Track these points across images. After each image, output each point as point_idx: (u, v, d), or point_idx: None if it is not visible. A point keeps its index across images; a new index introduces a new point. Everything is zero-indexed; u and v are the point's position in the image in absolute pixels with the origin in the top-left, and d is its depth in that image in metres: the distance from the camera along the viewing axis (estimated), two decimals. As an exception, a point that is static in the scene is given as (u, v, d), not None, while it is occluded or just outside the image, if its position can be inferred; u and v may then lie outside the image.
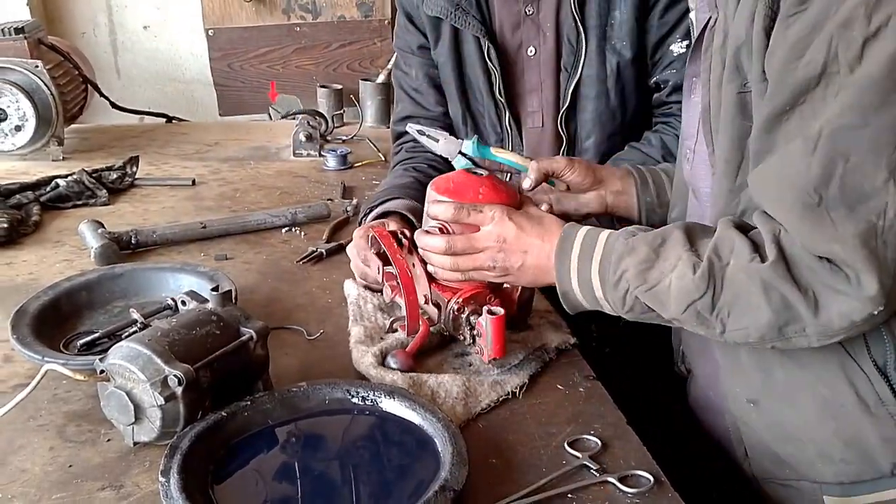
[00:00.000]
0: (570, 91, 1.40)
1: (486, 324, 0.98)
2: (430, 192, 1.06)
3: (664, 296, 0.85)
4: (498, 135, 1.47)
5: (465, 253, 1.00)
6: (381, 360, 1.03)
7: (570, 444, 0.90)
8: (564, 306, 0.99)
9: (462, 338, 1.04)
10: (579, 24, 1.37)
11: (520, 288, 1.07)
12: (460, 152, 1.21)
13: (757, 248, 0.80)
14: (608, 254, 0.91)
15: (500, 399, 0.98)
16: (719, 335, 0.84)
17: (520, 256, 0.98)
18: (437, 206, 1.03)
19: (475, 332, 1.01)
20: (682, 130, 1.07)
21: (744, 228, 0.83)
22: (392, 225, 1.20)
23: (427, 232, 1.04)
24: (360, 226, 1.33)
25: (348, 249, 1.26)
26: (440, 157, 1.31)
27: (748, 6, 0.81)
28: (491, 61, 1.41)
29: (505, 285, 1.07)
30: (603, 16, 1.37)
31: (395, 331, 1.11)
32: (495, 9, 1.42)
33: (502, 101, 1.43)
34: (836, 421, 0.87)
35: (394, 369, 1.02)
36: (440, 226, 1.03)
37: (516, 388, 1.00)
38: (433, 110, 1.54)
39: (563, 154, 1.43)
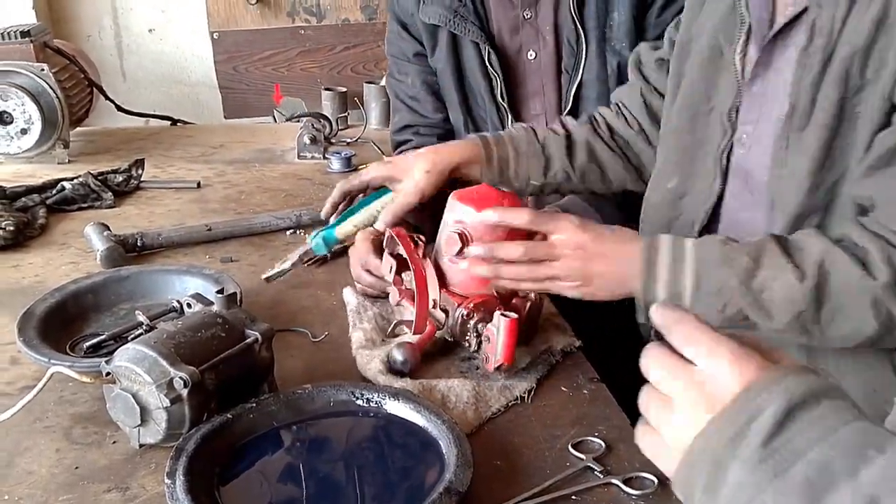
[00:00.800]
0: (573, 93, 1.41)
1: (500, 326, 0.97)
2: (453, 202, 1.06)
3: (769, 305, 0.87)
4: None
5: (543, 260, 0.98)
6: (388, 366, 1.03)
7: (574, 447, 0.90)
8: (641, 313, 0.98)
9: (467, 344, 1.03)
10: (579, 26, 1.38)
11: (529, 303, 1.06)
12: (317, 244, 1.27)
13: (865, 265, 0.84)
14: (703, 262, 0.92)
15: (510, 404, 0.98)
16: (816, 342, 0.88)
17: (600, 263, 0.96)
18: (511, 211, 1.00)
19: (482, 339, 1.01)
20: (732, 113, 1.04)
21: (842, 244, 0.87)
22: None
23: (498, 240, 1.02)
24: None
25: (350, 252, 1.26)
26: None
27: (871, 12, 0.81)
28: (492, 66, 1.42)
29: (514, 300, 1.06)
30: (601, 17, 1.38)
31: (397, 335, 1.12)
32: (493, 14, 1.43)
33: (504, 105, 1.43)
34: (875, 409, 0.89)
35: (399, 368, 1.02)
36: (460, 231, 1.02)
37: (525, 392, 1.00)
38: (432, 118, 1.55)
39: None
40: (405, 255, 1.05)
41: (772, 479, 0.48)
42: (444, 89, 1.51)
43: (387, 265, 1.10)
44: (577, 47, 1.40)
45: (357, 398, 0.94)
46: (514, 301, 1.06)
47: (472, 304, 1.02)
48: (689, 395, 0.55)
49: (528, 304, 1.06)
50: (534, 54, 1.43)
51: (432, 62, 1.50)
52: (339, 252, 1.43)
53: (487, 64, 1.42)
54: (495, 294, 1.04)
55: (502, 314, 0.97)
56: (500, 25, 1.43)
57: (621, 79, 1.38)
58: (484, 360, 1.01)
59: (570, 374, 1.06)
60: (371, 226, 1.24)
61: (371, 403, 0.94)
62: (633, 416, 0.95)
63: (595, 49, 1.39)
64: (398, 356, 1.02)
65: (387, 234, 1.10)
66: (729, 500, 0.50)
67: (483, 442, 0.91)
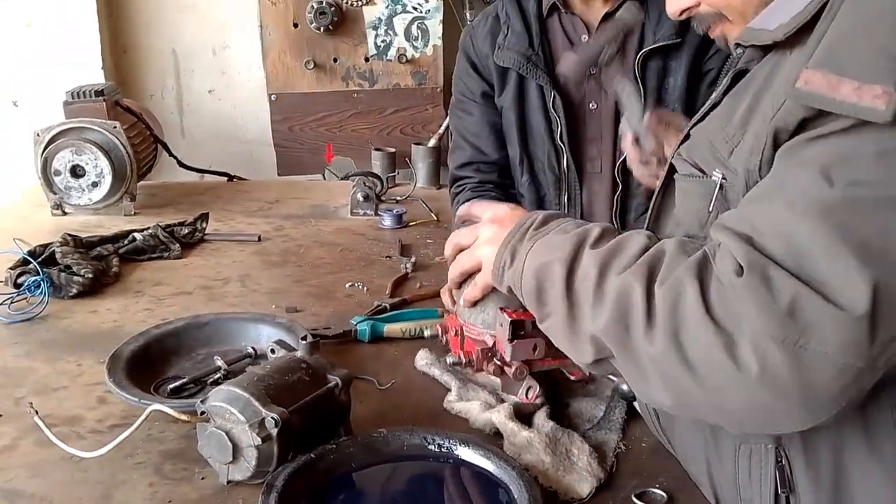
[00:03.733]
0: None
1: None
2: None
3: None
4: (556, 176, 1.60)
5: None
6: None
7: (637, 497, 0.94)
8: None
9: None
10: (640, 86, 1.50)
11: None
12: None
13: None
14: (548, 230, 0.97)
15: (616, 451, 1.04)
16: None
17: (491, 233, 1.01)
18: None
19: None
20: None
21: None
22: None
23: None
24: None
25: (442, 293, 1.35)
26: (504, 195, 1.58)
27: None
28: (554, 110, 1.55)
29: None
30: (660, 80, 1.55)
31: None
32: None
33: (563, 146, 1.55)
34: None
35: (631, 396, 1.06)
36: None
37: (618, 443, 1.05)
38: (491, 156, 1.67)
39: (616, 200, 1.58)
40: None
41: (540, 237, 0.89)
42: (505, 125, 1.64)
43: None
44: None
45: (429, 443, 0.99)
46: None
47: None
48: (483, 230, 1.00)
49: None
50: (595, 105, 1.57)
51: (498, 101, 1.63)
52: (398, 305, 1.51)
53: (550, 107, 1.54)
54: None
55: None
56: (566, 77, 1.56)
57: None
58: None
59: (627, 427, 1.10)
60: (416, 336, 1.35)
61: (442, 448, 0.99)
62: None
63: (651, 106, 1.52)
64: (625, 387, 1.07)
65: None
66: (520, 263, 0.88)
67: (547, 490, 0.95)
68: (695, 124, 0.95)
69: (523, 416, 1.07)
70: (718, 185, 0.85)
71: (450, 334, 1.14)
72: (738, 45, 0.90)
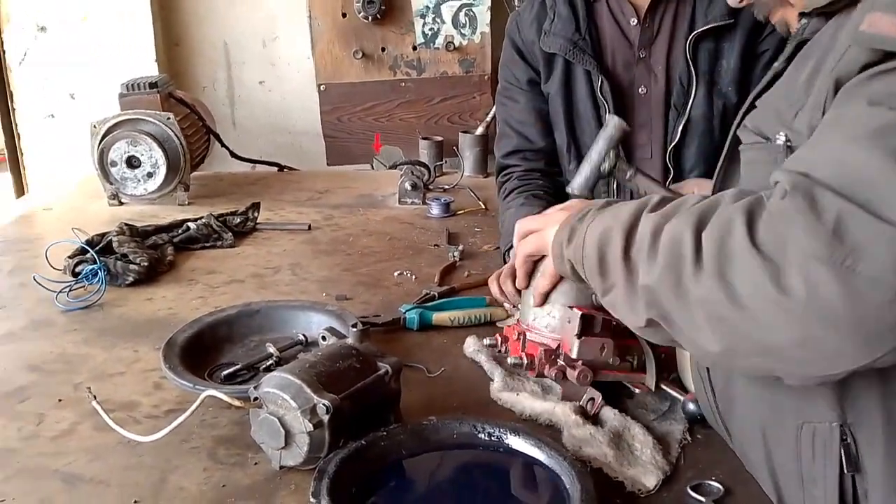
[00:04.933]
0: (680, 128, 1.50)
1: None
2: None
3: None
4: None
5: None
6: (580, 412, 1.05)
7: (692, 489, 0.92)
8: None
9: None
10: (691, 68, 1.46)
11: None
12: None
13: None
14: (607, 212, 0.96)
15: (682, 443, 1.02)
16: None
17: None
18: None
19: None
20: None
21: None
22: None
23: None
24: (505, 261, 1.44)
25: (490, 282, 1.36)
26: (551, 183, 1.59)
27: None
28: (603, 95, 1.53)
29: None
30: (712, 63, 1.52)
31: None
32: (609, 50, 1.55)
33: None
34: None
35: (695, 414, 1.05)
36: None
37: (684, 432, 1.03)
38: (538, 143, 1.65)
39: (669, 184, 1.56)
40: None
41: (601, 213, 0.88)
42: (552, 112, 1.62)
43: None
44: (687, 87, 1.52)
45: (479, 432, 0.99)
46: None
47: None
48: (551, 219, 0.99)
49: None
50: (645, 89, 1.54)
51: (545, 88, 1.61)
52: (446, 293, 1.51)
53: (598, 92, 1.51)
54: None
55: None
56: (615, 60, 1.56)
57: (725, 118, 1.51)
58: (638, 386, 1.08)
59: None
60: (463, 325, 1.35)
61: (492, 437, 0.98)
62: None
63: (704, 90, 1.52)
64: (691, 407, 1.05)
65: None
66: (580, 238, 0.88)
67: (602, 481, 0.93)
68: (759, 94, 0.93)
69: (586, 412, 1.06)
70: (785, 148, 0.82)
71: (510, 340, 1.12)
72: (802, 14, 0.89)
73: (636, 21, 1.54)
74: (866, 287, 0.63)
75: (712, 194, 1.00)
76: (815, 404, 0.82)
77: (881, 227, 0.63)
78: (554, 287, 1.05)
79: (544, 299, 1.06)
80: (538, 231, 1.02)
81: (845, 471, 0.80)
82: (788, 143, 0.82)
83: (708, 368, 1.00)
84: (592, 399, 1.05)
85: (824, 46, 0.81)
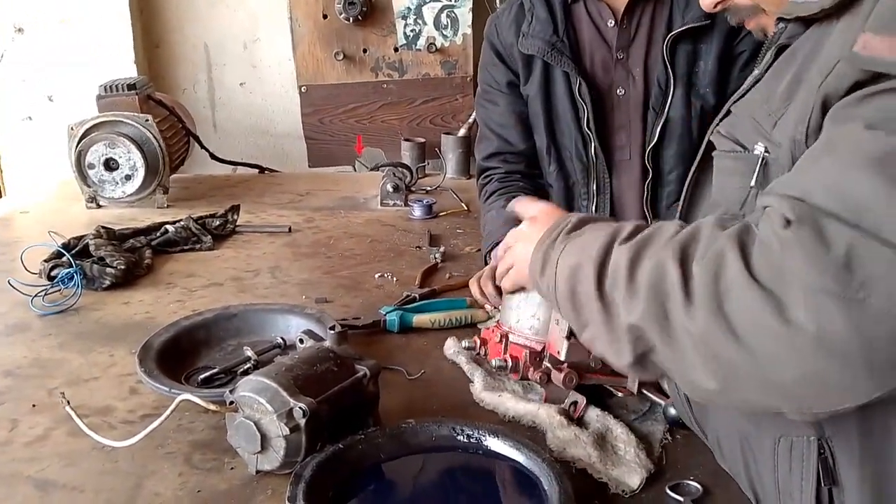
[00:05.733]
0: (658, 130, 1.51)
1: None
2: None
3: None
4: (584, 164, 1.58)
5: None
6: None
7: (671, 489, 0.92)
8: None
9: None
10: (669, 70, 1.47)
11: None
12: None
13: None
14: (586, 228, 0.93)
15: (663, 442, 1.02)
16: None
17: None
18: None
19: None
20: None
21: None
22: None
23: None
24: (486, 263, 1.45)
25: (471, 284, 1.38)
26: (532, 185, 1.58)
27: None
28: (581, 97, 1.53)
29: None
30: (690, 65, 1.52)
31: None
32: (587, 52, 1.56)
33: (590, 134, 1.53)
34: None
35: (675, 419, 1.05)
36: None
37: (665, 431, 1.03)
38: (518, 146, 1.65)
39: (647, 187, 1.57)
40: None
41: (572, 240, 0.86)
42: (532, 115, 1.61)
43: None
44: (665, 89, 1.53)
45: (458, 434, 0.98)
46: None
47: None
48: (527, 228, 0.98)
49: None
50: (623, 91, 1.55)
51: (524, 90, 1.61)
52: (427, 295, 1.50)
53: (577, 94, 1.52)
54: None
55: None
56: (593, 62, 1.56)
57: (703, 119, 1.51)
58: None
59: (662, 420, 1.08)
60: (444, 327, 1.35)
61: (471, 440, 0.98)
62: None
63: (682, 92, 1.52)
64: (672, 412, 1.04)
65: None
66: (551, 269, 0.86)
67: (579, 482, 0.93)
68: (736, 101, 0.92)
69: (569, 413, 1.06)
70: (761, 160, 0.81)
71: (491, 342, 1.11)
72: (780, 19, 0.88)
73: (614, 23, 1.54)
74: (877, 320, 0.61)
75: (682, 199, 1.00)
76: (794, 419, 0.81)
77: (893, 257, 0.61)
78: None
79: (513, 293, 1.06)
80: (510, 246, 1.02)
81: (822, 484, 0.79)
82: (766, 155, 0.81)
83: None
84: (576, 402, 1.05)
85: (806, 56, 0.80)
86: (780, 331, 0.64)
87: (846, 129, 0.69)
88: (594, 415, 1.04)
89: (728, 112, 0.92)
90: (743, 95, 0.91)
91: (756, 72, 0.92)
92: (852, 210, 0.63)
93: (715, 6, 0.99)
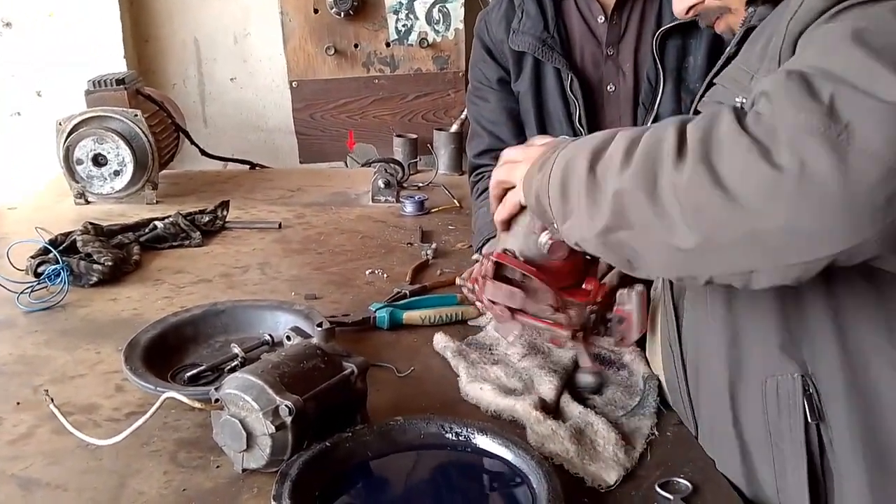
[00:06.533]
0: (649, 125, 1.51)
1: (634, 301, 1.02)
2: None
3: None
4: None
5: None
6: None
7: (661, 486, 0.91)
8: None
9: (599, 333, 1.07)
10: (659, 66, 1.48)
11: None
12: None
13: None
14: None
15: (648, 439, 1.01)
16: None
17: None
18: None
19: (610, 323, 1.05)
20: None
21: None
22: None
23: None
24: (479, 258, 1.43)
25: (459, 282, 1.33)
26: None
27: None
28: (572, 93, 1.52)
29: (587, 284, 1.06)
30: (679, 60, 1.52)
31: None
32: (577, 48, 1.55)
33: (582, 130, 1.53)
34: None
35: (595, 388, 1.07)
36: None
37: (652, 427, 1.03)
38: (510, 143, 1.64)
39: None
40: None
41: (577, 142, 0.84)
42: (523, 111, 1.61)
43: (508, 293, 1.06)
44: (654, 84, 1.52)
45: (446, 432, 0.97)
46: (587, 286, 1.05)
47: (599, 299, 1.03)
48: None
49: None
50: (613, 87, 1.54)
51: (515, 86, 1.60)
52: (417, 292, 1.49)
53: (568, 90, 1.51)
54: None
55: (630, 289, 1.02)
56: (584, 58, 1.56)
57: (694, 114, 1.48)
58: (620, 340, 1.06)
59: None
60: (434, 323, 1.34)
61: (460, 437, 0.97)
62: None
63: (671, 87, 1.51)
64: (588, 379, 1.06)
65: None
66: (548, 167, 0.84)
67: (569, 479, 0.92)
68: (715, 75, 0.95)
69: (549, 406, 1.05)
70: (740, 107, 0.78)
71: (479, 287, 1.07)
72: (749, 3, 0.92)
73: (603, 19, 1.53)
74: (859, 162, 0.62)
75: None
76: (778, 358, 0.85)
77: (874, 104, 0.63)
78: (513, 218, 1.01)
79: (505, 227, 1.02)
80: (516, 162, 0.98)
81: (809, 420, 0.83)
82: (744, 103, 0.80)
83: (680, 339, 1.01)
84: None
85: (775, 23, 0.83)
86: (766, 174, 0.65)
87: (816, 32, 0.73)
88: (576, 411, 1.04)
89: (711, 85, 0.95)
90: (719, 71, 0.94)
91: (728, 49, 0.96)
92: (837, 69, 0.66)
93: (687, 12, 1.03)
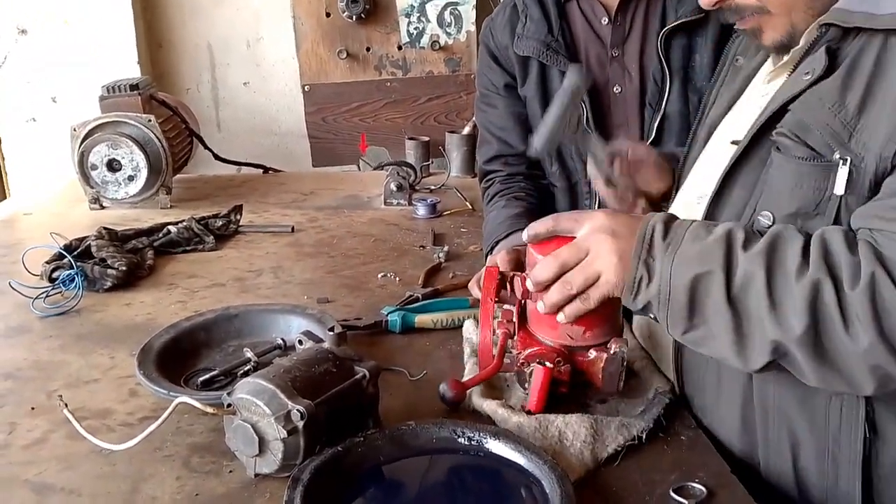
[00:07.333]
0: (655, 125, 1.49)
1: (532, 373, 1.02)
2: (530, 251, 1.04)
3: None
4: (585, 163, 1.54)
5: (575, 263, 0.95)
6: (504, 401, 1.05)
7: (675, 491, 0.91)
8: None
9: (524, 389, 1.06)
10: (664, 65, 1.46)
11: (604, 359, 1.02)
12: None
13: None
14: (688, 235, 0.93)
15: (626, 444, 0.98)
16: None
17: (625, 242, 0.92)
18: (537, 224, 1.01)
19: (527, 384, 1.04)
20: None
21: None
22: (506, 260, 1.29)
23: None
24: (486, 260, 1.45)
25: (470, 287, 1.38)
26: (534, 186, 1.57)
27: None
28: None
29: (581, 356, 1.04)
30: (685, 59, 1.51)
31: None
32: (582, 50, 1.55)
33: (590, 132, 1.51)
34: None
35: (447, 401, 1.05)
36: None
37: (642, 431, 1.00)
38: (519, 148, 1.64)
39: None
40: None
41: (674, 249, 0.89)
42: (530, 116, 1.61)
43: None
44: (661, 84, 1.51)
45: (458, 436, 0.97)
46: (583, 358, 1.04)
47: (527, 352, 1.04)
48: (594, 244, 0.94)
49: (606, 356, 1.02)
50: (619, 88, 1.54)
51: (522, 91, 1.60)
52: (430, 295, 1.49)
53: None
54: (556, 349, 1.03)
55: (538, 362, 1.02)
56: (589, 60, 1.55)
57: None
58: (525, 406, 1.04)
59: (665, 420, 1.06)
60: (446, 327, 1.34)
61: (472, 442, 0.96)
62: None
63: (678, 87, 1.50)
64: (444, 391, 1.05)
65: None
66: (662, 278, 0.89)
67: (581, 484, 0.92)
68: (789, 101, 0.92)
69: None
70: (847, 171, 0.86)
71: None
72: (826, 24, 0.91)
73: (607, 20, 1.53)
74: None
75: (714, 192, 1.02)
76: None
77: None
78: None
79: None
80: (583, 262, 0.94)
81: (867, 435, 0.91)
82: (852, 167, 0.86)
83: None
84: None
85: (870, 71, 0.86)
86: None
87: None
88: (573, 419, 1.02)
89: (784, 110, 0.93)
90: (797, 96, 0.92)
91: (808, 75, 0.91)
92: None
93: (714, 4, 0.99)
